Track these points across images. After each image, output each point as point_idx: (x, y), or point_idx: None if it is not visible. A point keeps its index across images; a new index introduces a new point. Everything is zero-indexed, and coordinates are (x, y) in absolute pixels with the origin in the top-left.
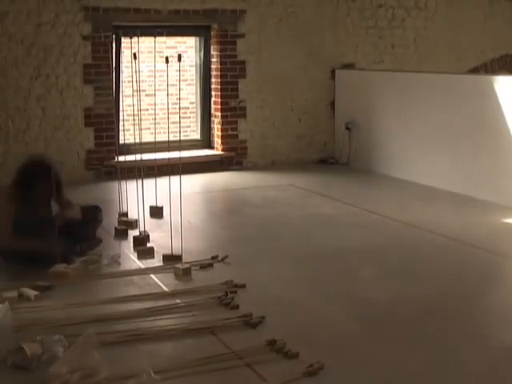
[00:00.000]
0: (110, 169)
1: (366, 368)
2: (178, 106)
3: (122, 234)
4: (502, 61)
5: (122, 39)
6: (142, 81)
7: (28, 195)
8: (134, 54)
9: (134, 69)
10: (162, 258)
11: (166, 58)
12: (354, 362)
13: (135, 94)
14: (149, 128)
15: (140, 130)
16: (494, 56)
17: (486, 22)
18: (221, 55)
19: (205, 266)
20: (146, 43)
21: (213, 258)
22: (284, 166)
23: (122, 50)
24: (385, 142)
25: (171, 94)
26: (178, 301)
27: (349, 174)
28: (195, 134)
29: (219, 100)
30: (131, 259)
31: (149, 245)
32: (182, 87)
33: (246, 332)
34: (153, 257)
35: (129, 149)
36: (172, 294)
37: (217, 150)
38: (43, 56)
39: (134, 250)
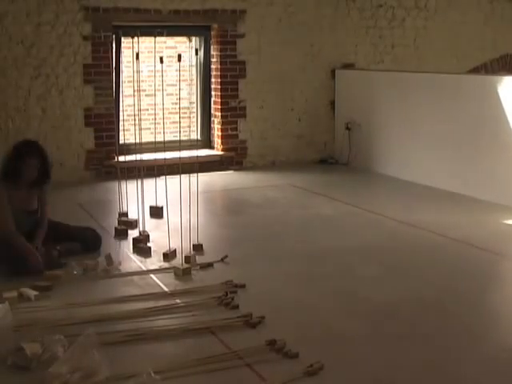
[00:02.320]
0: (110, 169)
1: (366, 368)
2: (177, 105)
3: (122, 233)
4: (502, 61)
5: (122, 39)
6: (142, 81)
7: (17, 176)
8: (137, 54)
9: (134, 69)
10: (161, 256)
11: (161, 58)
12: (354, 362)
13: (135, 93)
14: (149, 128)
15: (140, 129)
16: (494, 56)
17: (486, 22)
18: (221, 55)
19: (205, 266)
20: (146, 43)
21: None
22: (284, 166)
23: (122, 49)
24: (385, 142)
25: (171, 94)
26: (177, 301)
27: (349, 174)
28: (195, 134)
29: (219, 100)
30: (131, 259)
31: (148, 245)
32: (182, 87)
33: (245, 332)
34: (151, 256)
35: (129, 149)
36: (172, 294)
37: (217, 150)
38: (43, 56)
39: (134, 250)
